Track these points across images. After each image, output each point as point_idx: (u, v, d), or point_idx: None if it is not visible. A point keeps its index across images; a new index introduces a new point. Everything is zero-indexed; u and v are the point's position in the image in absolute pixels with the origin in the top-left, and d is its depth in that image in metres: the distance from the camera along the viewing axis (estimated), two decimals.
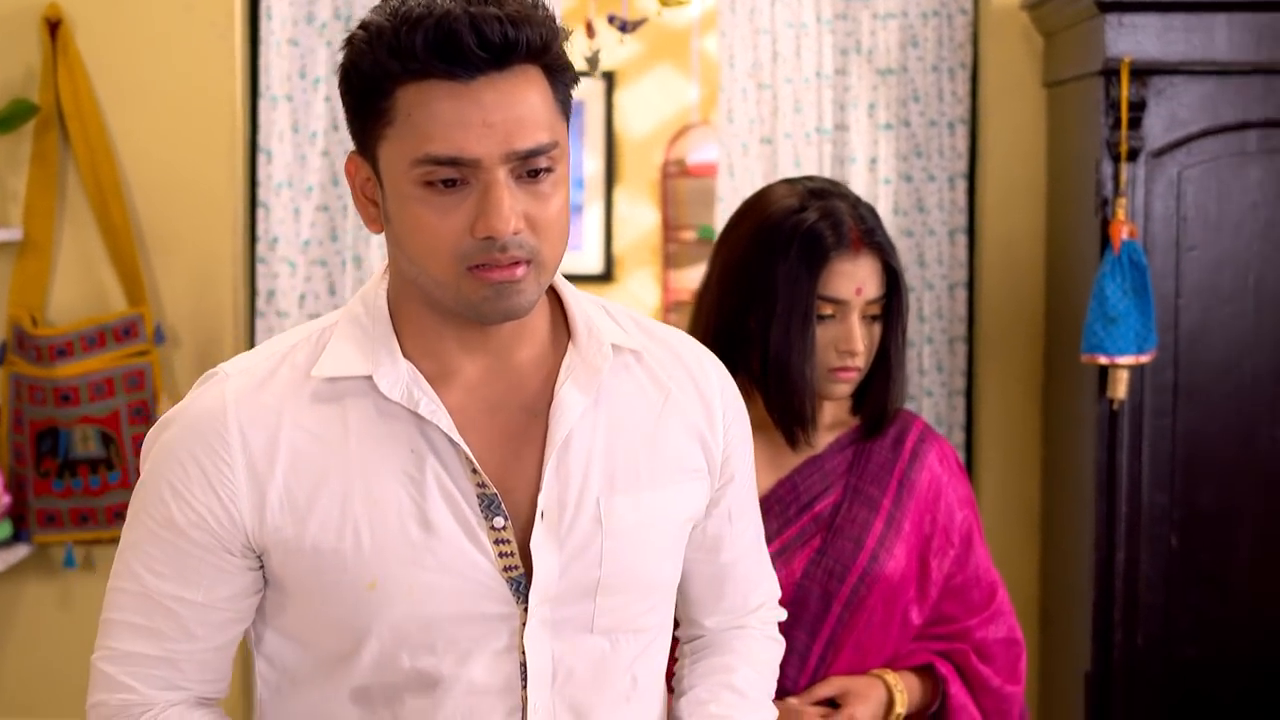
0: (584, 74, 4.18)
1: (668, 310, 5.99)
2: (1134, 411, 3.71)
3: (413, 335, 1.85)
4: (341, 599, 1.81)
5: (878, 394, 2.63)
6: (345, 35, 1.81)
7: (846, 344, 2.52)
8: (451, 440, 1.82)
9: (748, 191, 4.25)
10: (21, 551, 4.14)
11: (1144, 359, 3.61)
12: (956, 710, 2.63)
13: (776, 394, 2.56)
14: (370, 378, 1.82)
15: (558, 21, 1.79)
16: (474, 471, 1.82)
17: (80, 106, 4.11)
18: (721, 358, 2.60)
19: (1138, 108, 3.62)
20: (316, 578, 1.82)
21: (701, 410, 1.99)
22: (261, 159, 4.24)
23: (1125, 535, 3.72)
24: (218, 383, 1.84)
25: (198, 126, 4.19)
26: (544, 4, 1.79)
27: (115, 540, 4.04)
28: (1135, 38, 3.62)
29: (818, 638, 2.55)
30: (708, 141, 5.82)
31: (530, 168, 1.74)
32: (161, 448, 1.83)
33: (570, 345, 1.90)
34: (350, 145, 1.84)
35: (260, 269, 4.27)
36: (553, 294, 1.94)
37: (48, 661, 4.23)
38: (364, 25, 1.76)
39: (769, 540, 2.54)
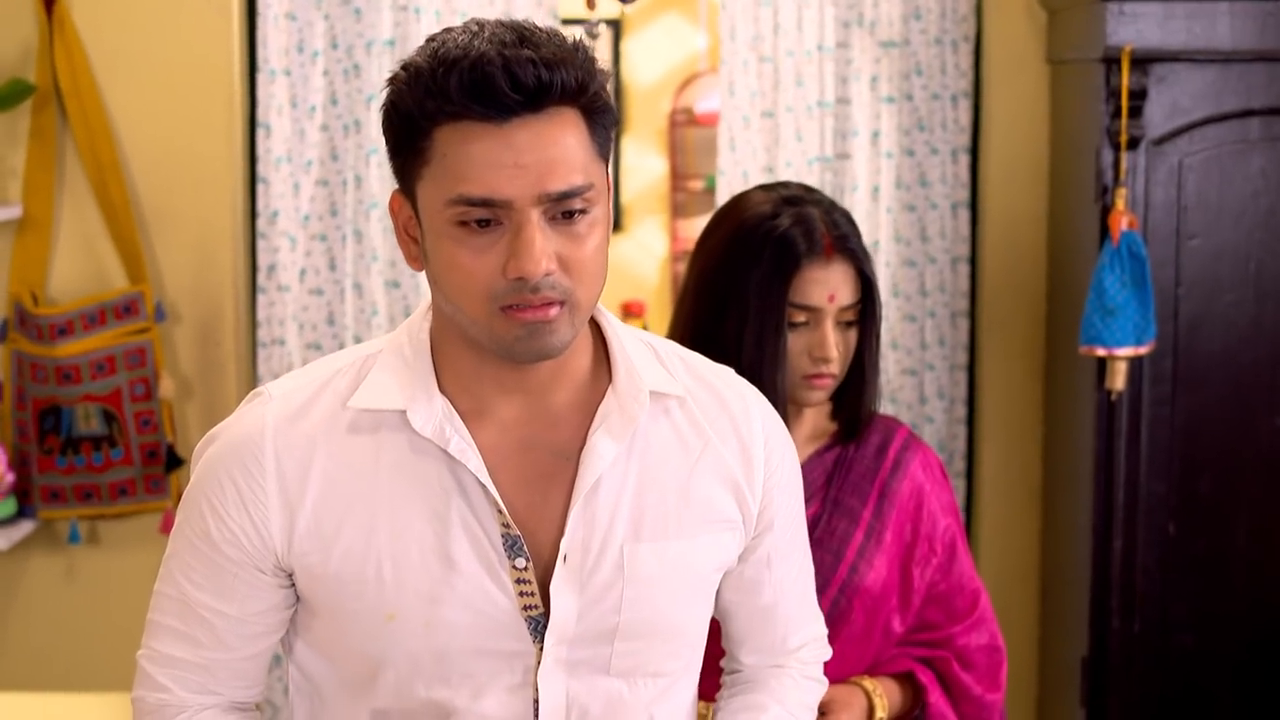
0: (590, 33, 4.16)
1: (675, 259, 5.97)
2: (1133, 400, 3.70)
3: (451, 372, 1.89)
4: (361, 627, 1.87)
5: (852, 400, 2.64)
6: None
7: (820, 351, 2.51)
8: (479, 480, 1.84)
9: (749, 165, 4.25)
10: (26, 527, 4.16)
11: (1142, 350, 3.59)
12: (936, 718, 2.65)
13: None
14: (405, 412, 1.85)
15: (597, 64, 1.81)
16: (499, 511, 1.85)
17: (78, 83, 4.09)
18: None
19: (1138, 96, 3.59)
20: (339, 604, 1.87)
21: (740, 460, 1.99)
22: (260, 134, 4.22)
23: (1123, 523, 3.73)
24: (260, 404, 1.90)
25: (196, 102, 4.17)
26: (584, 45, 1.80)
27: (119, 516, 4.14)
28: (1136, 26, 3.57)
29: None
30: (716, 90, 5.76)
31: (565, 209, 1.76)
32: (205, 463, 1.91)
33: (609, 389, 1.92)
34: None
35: (260, 244, 4.26)
36: (599, 334, 1.95)
37: (54, 636, 4.27)
38: (405, 65, 1.79)
39: None
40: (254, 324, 4.29)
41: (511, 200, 1.74)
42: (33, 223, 4.13)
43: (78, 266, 4.19)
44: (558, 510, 1.89)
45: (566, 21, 4.58)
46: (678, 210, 5.98)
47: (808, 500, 2.59)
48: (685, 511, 1.94)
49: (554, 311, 1.77)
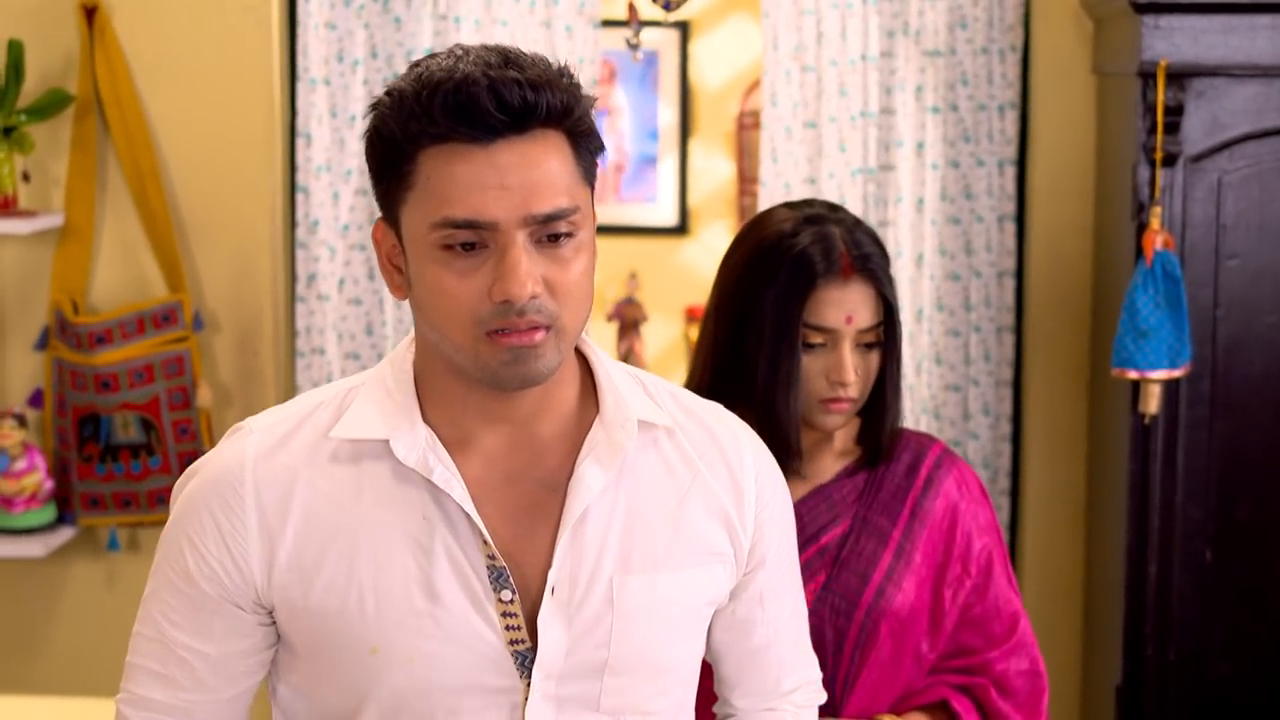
0: (632, 46, 4.13)
1: None
2: (1169, 423, 3.61)
3: (436, 402, 1.86)
4: (343, 661, 1.84)
5: (872, 426, 2.57)
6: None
7: (837, 374, 2.44)
8: (464, 510, 1.82)
9: (791, 177, 4.20)
10: (67, 534, 4.20)
11: (1177, 374, 3.50)
12: None
13: (763, 423, 2.51)
14: (388, 442, 1.84)
15: (583, 88, 1.80)
16: (485, 543, 1.82)
17: (118, 92, 4.11)
18: (722, 386, 2.57)
19: (1176, 111, 3.49)
20: (320, 638, 1.85)
21: (731, 492, 1.96)
22: (300, 143, 4.22)
23: (1158, 548, 3.64)
24: (240, 438, 1.88)
25: (236, 111, 4.18)
26: (569, 69, 1.80)
27: (158, 523, 4.16)
28: (1172, 40, 3.48)
29: (835, 679, 2.49)
30: None
31: (550, 232, 1.75)
32: (184, 499, 1.89)
33: (596, 420, 1.90)
34: None
35: (300, 253, 4.26)
36: (585, 365, 1.94)
37: (93, 642, 4.30)
38: (389, 91, 1.78)
39: None
40: (293, 333, 4.29)
41: (497, 222, 1.72)
42: (74, 231, 4.15)
43: (118, 275, 4.21)
44: (545, 542, 1.86)
45: (607, 23, 4.53)
46: (745, 214, 5.93)
47: (836, 518, 2.54)
48: (675, 543, 1.91)
49: (540, 336, 1.76)
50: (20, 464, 4.10)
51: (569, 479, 1.87)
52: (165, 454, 4.14)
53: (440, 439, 1.85)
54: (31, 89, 4.09)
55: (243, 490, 1.84)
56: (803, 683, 2.14)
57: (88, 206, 4.15)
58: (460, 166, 1.72)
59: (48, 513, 4.17)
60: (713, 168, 6.00)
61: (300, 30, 4.20)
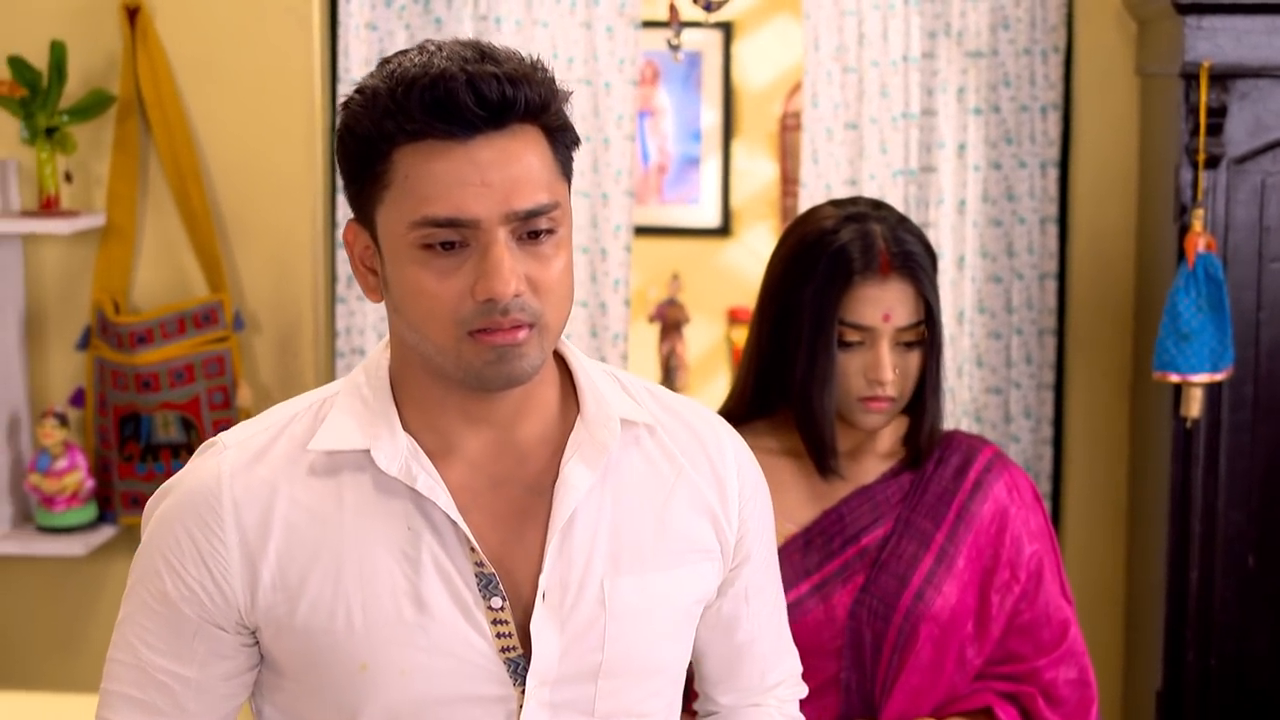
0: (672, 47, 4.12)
1: None
2: (1211, 427, 3.57)
3: (415, 407, 1.82)
4: (333, 679, 1.80)
5: (912, 427, 2.56)
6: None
7: (874, 373, 2.43)
8: (450, 518, 1.79)
9: (832, 178, 4.18)
10: (108, 533, 4.21)
11: (1219, 377, 3.47)
12: None
13: (800, 422, 2.50)
14: (368, 452, 1.79)
15: (557, 83, 1.77)
16: (472, 550, 1.79)
17: (160, 93, 4.12)
18: (766, 384, 2.56)
19: (1219, 113, 3.46)
20: (308, 657, 1.80)
21: (715, 488, 1.94)
22: None
23: (1200, 553, 3.60)
24: (214, 454, 1.83)
25: (277, 112, 4.19)
26: (542, 63, 1.76)
27: None
28: (1215, 40, 3.45)
29: (874, 681, 2.48)
30: None
31: (531, 229, 1.72)
32: (158, 519, 1.83)
33: (578, 419, 1.87)
34: None
35: (340, 254, 4.26)
36: (563, 365, 1.91)
37: None
38: (359, 89, 1.75)
39: (809, 574, 2.49)
40: (333, 333, 4.30)
41: (479, 219, 1.69)
42: (116, 231, 4.17)
43: (159, 275, 4.22)
44: (533, 547, 1.83)
45: (648, 24, 4.52)
46: (787, 215, 5.91)
47: (878, 519, 2.52)
48: (664, 542, 1.89)
49: (523, 334, 1.73)
50: (61, 463, 4.11)
51: (554, 481, 1.84)
52: None
53: (421, 445, 1.81)
54: (74, 89, 4.11)
55: (221, 509, 1.78)
56: (785, 676, 2.13)
57: (129, 207, 4.17)
58: (439, 164, 1.69)
59: (89, 512, 4.19)
60: (756, 169, 5.99)
61: (341, 31, 4.21)
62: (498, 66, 1.70)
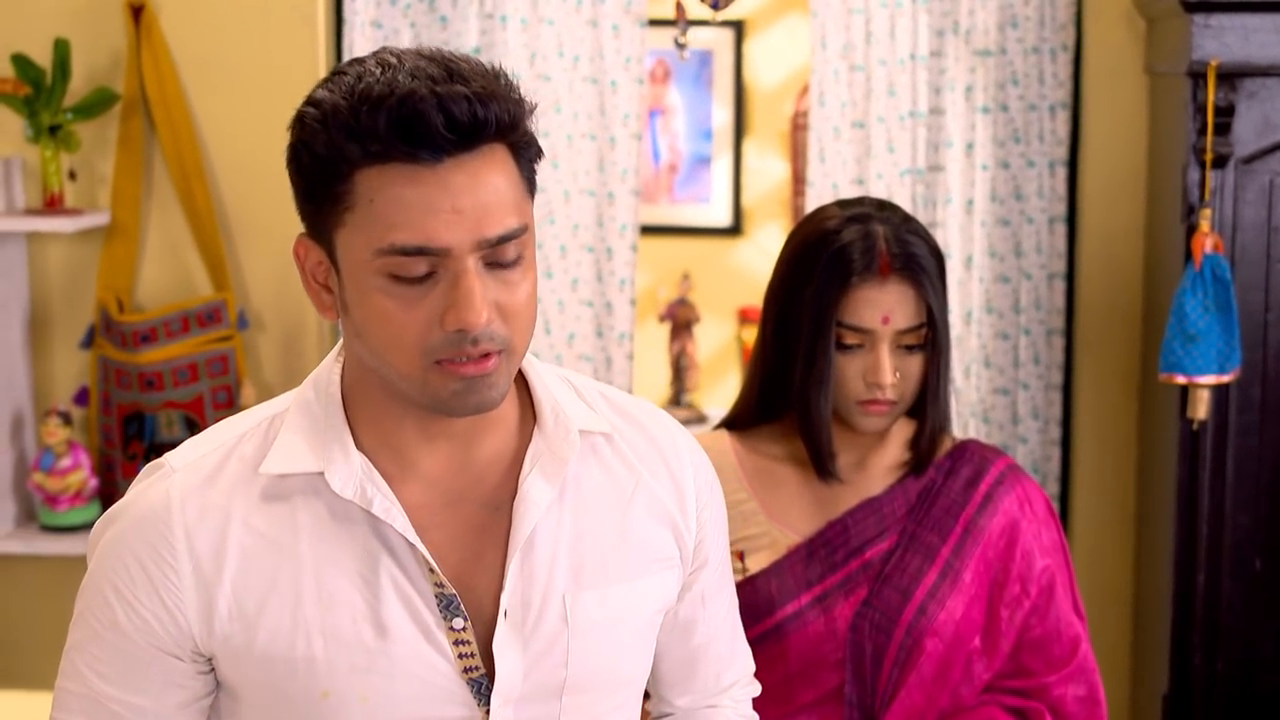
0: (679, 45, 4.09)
1: None
2: (1218, 429, 3.54)
3: (369, 425, 1.78)
4: (294, 707, 1.76)
5: (915, 433, 2.53)
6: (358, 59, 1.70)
7: (873, 376, 2.40)
8: (408, 540, 1.75)
9: (839, 177, 4.15)
10: None
11: (1226, 379, 3.44)
12: None
13: (800, 424, 2.48)
14: (322, 474, 1.74)
15: (521, 94, 1.71)
16: (431, 570, 1.75)
17: (164, 91, 4.11)
18: (772, 386, 2.53)
19: (1226, 112, 3.43)
20: (268, 686, 1.76)
21: (673, 494, 1.91)
22: None
23: (1206, 556, 3.57)
24: (162, 478, 1.77)
25: (282, 110, 4.07)
26: (506, 74, 1.70)
27: None
28: (1223, 39, 3.42)
29: (874, 695, 2.45)
30: None
31: (500, 258, 1.66)
32: (105, 546, 1.78)
33: (536, 432, 1.83)
34: None
35: None
36: (519, 375, 1.85)
37: None
38: (315, 103, 1.68)
39: (810, 586, 2.46)
40: (336, 333, 4.28)
41: (449, 248, 1.63)
42: (120, 230, 4.16)
43: (163, 274, 4.21)
44: (493, 566, 1.79)
45: (655, 22, 4.50)
46: (799, 215, 5.87)
47: (883, 532, 2.49)
48: (625, 554, 1.85)
49: (492, 363, 1.68)
50: (65, 462, 4.10)
51: (513, 497, 1.80)
52: None
53: (375, 465, 1.76)
54: (78, 88, 4.10)
55: (172, 536, 1.73)
56: (740, 676, 2.11)
57: (133, 205, 4.15)
58: (406, 189, 1.62)
59: (92, 511, 4.17)
60: (767, 168, 5.95)
61: (346, 29, 4.19)
62: (466, 85, 1.63)
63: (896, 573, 2.46)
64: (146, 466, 1.82)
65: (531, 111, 1.72)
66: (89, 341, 4.18)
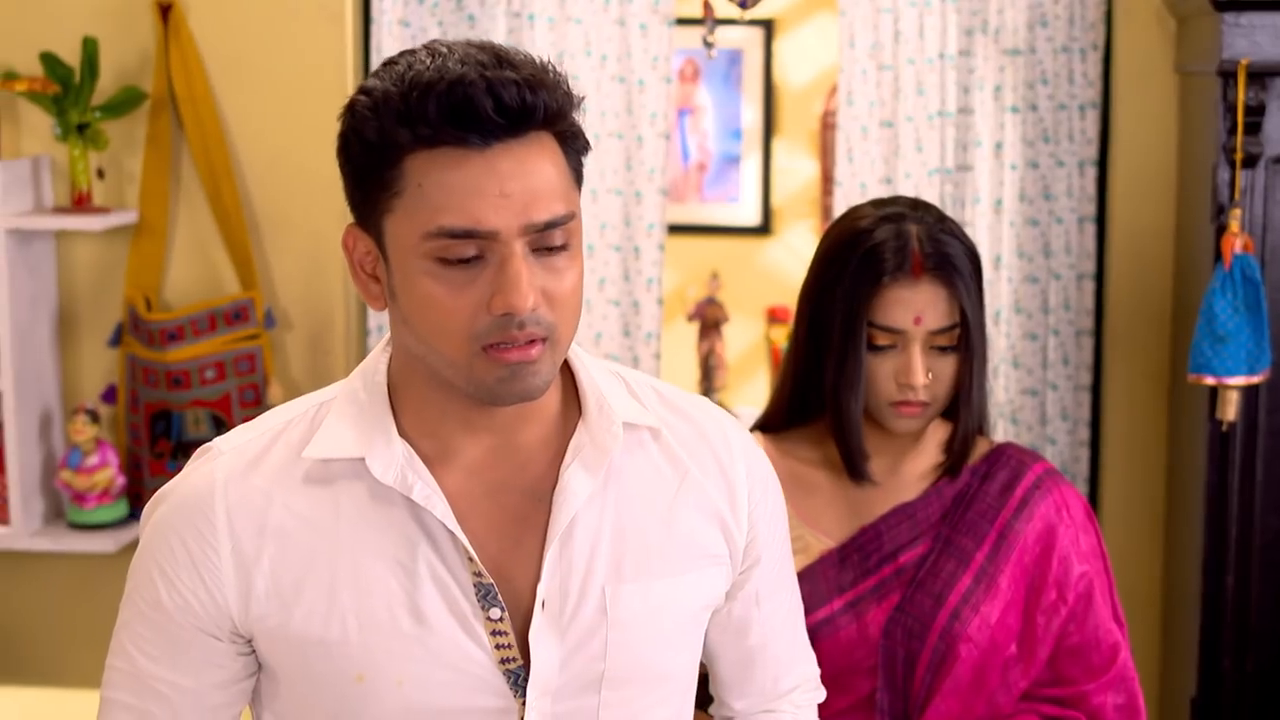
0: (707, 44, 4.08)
1: None
2: (1247, 431, 3.52)
3: (413, 413, 1.79)
4: (329, 690, 1.77)
5: (949, 435, 2.51)
6: (427, 44, 1.71)
7: (905, 376, 2.38)
8: (447, 527, 1.75)
9: (867, 177, 4.14)
10: (138, 530, 4.20)
11: (1255, 380, 3.41)
12: None
13: (831, 426, 2.46)
14: (364, 460, 1.76)
15: (570, 86, 1.72)
16: (470, 559, 1.75)
17: (193, 90, 4.11)
18: (804, 386, 2.51)
19: (1256, 111, 3.40)
20: (303, 667, 1.77)
21: (724, 491, 1.90)
22: None
23: (1236, 559, 3.55)
24: (209, 460, 1.80)
25: (309, 109, 4.17)
26: (555, 66, 1.71)
27: None
28: (1253, 38, 3.40)
29: (908, 700, 2.43)
30: None
31: (546, 243, 1.67)
32: (153, 526, 1.80)
33: (580, 423, 1.83)
34: None
35: None
36: (566, 367, 1.86)
37: None
38: (366, 91, 1.69)
39: (842, 591, 2.44)
40: (364, 332, 4.28)
41: (497, 231, 1.64)
42: (148, 228, 4.17)
43: (191, 272, 4.22)
44: (532, 555, 1.79)
45: (683, 21, 4.49)
46: (828, 214, 5.86)
47: (917, 538, 2.47)
48: (669, 548, 1.85)
49: (536, 350, 1.68)
50: (93, 459, 4.11)
51: (554, 487, 1.80)
52: None
53: (418, 452, 1.77)
54: (106, 86, 4.11)
55: (214, 516, 1.75)
56: (801, 680, 2.09)
57: (161, 203, 4.16)
58: (456, 173, 1.64)
59: (119, 508, 4.19)
60: (796, 167, 5.95)
61: (374, 27, 4.19)
62: (515, 71, 1.65)
63: (930, 578, 2.44)
64: (199, 449, 1.85)
65: (578, 105, 1.73)
66: (117, 340, 4.18)
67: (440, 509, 1.75)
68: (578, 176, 1.74)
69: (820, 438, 2.53)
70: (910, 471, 2.51)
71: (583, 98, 1.74)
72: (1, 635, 4.35)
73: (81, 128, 4.02)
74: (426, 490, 1.75)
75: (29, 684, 4.21)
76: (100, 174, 4.12)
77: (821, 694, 2.13)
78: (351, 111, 1.70)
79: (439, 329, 1.68)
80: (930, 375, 2.40)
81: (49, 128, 4.12)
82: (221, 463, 1.79)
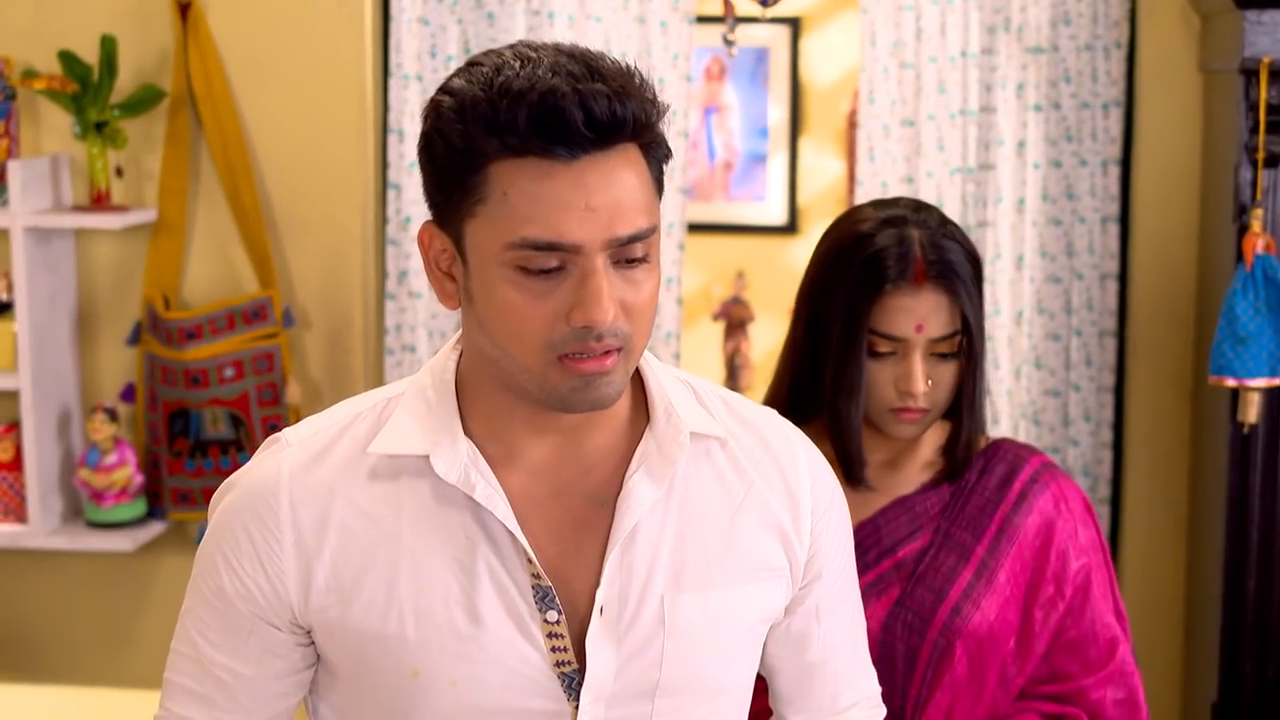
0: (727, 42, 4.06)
1: None
2: (1269, 433, 3.48)
3: (480, 414, 1.79)
4: (384, 685, 1.78)
5: (949, 440, 2.48)
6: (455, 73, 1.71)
7: (905, 384, 2.36)
8: (507, 528, 1.75)
9: (889, 176, 4.11)
10: (157, 528, 4.21)
11: (1277, 381, 3.37)
12: None
13: (831, 431, 2.44)
14: (428, 457, 1.76)
15: (656, 94, 1.70)
16: (529, 561, 1.76)
17: (211, 88, 4.11)
18: (800, 391, 2.49)
19: (1278, 110, 3.36)
20: (360, 660, 1.78)
21: (787, 504, 1.89)
22: (393, 139, 4.19)
23: (1257, 562, 3.51)
24: (276, 451, 1.82)
25: (328, 107, 4.16)
26: (642, 74, 1.70)
27: None
28: (1276, 36, 3.35)
29: (906, 698, 2.41)
30: None
31: (628, 255, 1.66)
32: (220, 514, 1.83)
33: (647, 431, 1.82)
34: None
35: (391, 250, 4.23)
36: (635, 372, 1.84)
37: None
38: (451, 92, 1.67)
39: None
40: (383, 330, 4.27)
41: (580, 245, 1.63)
42: (167, 227, 4.16)
43: (210, 271, 4.21)
44: (592, 560, 1.79)
45: (704, 19, 4.47)
46: None
47: (916, 531, 2.45)
48: (729, 560, 1.84)
49: (611, 361, 1.68)
50: (111, 458, 4.11)
51: (618, 494, 1.80)
52: (254, 450, 4.13)
53: (483, 452, 1.77)
54: (125, 84, 4.11)
55: (278, 507, 1.77)
56: (861, 698, 2.06)
57: (180, 202, 4.16)
58: (542, 184, 1.63)
59: (138, 507, 4.18)
60: (823, 166, 5.92)
61: (393, 25, 4.18)
62: (605, 83, 1.63)
63: (930, 572, 2.42)
64: (267, 439, 1.86)
65: (664, 113, 1.71)
66: (135, 338, 4.18)
67: (501, 509, 1.75)
68: (659, 185, 1.73)
69: (816, 436, 2.50)
70: (908, 467, 2.50)
71: (668, 106, 1.72)
72: (20, 633, 4.35)
73: (100, 126, 4.02)
74: (489, 490, 1.75)
75: (47, 682, 4.21)
76: (119, 172, 4.12)
77: (882, 711, 2.10)
78: (436, 112, 1.68)
79: (515, 336, 1.68)
80: (930, 382, 2.38)
81: (68, 126, 4.13)
82: (288, 454, 1.80)
